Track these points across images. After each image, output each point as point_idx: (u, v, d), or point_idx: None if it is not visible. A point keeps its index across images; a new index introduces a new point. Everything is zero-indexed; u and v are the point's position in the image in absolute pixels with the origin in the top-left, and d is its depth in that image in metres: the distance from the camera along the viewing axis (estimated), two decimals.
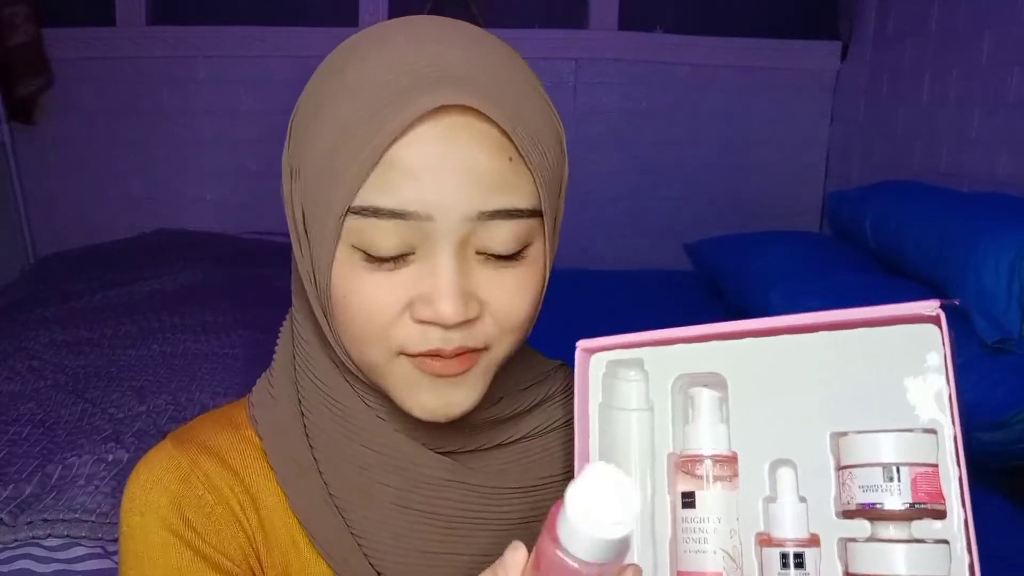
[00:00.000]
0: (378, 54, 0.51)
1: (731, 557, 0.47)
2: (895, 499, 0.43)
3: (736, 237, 2.53)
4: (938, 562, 0.43)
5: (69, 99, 2.89)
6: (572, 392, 0.64)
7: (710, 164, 3.02)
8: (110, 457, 1.38)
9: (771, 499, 0.47)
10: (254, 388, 0.63)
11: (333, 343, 0.56)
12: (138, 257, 2.59)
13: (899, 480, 0.43)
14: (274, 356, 0.63)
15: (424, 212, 0.49)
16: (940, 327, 0.44)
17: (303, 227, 0.54)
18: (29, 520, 1.22)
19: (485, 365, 0.54)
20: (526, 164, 0.51)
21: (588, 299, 2.39)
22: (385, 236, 0.49)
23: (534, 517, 0.60)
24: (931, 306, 0.44)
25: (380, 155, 0.48)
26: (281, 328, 0.64)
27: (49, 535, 1.20)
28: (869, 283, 2.04)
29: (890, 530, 0.44)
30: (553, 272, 0.57)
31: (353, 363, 0.55)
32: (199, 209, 3.04)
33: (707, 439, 0.49)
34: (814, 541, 0.46)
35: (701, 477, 0.48)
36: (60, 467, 1.35)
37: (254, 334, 1.97)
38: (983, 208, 1.88)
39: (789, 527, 0.46)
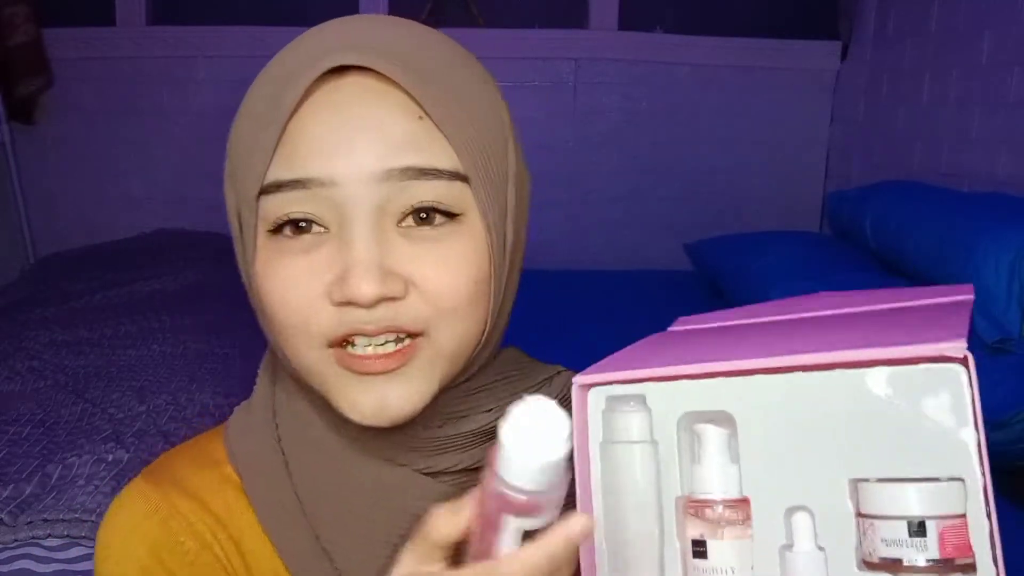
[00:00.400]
0: (293, 45, 0.51)
1: None
2: (920, 555, 0.41)
3: (736, 237, 2.53)
4: None
5: (69, 99, 2.89)
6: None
7: (710, 164, 3.02)
8: (110, 457, 1.38)
9: (787, 547, 0.45)
10: (231, 418, 0.59)
11: (278, 353, 0.52)
12: (138, 257, 2.59)
13: (925, 535, 0.41)
14: (255, 384, 0.60)
15: (327, 177, 0.46)
16: (968, 368, 0.41)
17: (238, 223, 0.51)
18: (29, 520, 1.22)
19: (428, 356, 0.49)
20: (438, 126, 0.47)
21: (588, 299, 2.39)
22: (288, 207, 0.47)
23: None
24: (958, 347, 0.41)
25: (281, 129, 0.47)
26: (265, 355, 0.60)
27: (49, 535, 1.20)
28: (869, 283, 2.04)
29: None
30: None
31: (298, 373, 0.52)
32: (199, 209, 3.04)
33: (717, 482, 0.46)
34: None
35: (712, 523, 0.46)
36: (60, 467, 1.35)
37: (254, 334, 1.97)
38: (983, 208, 1.88)
39: None
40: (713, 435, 0.47)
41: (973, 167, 2.28)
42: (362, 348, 0.48)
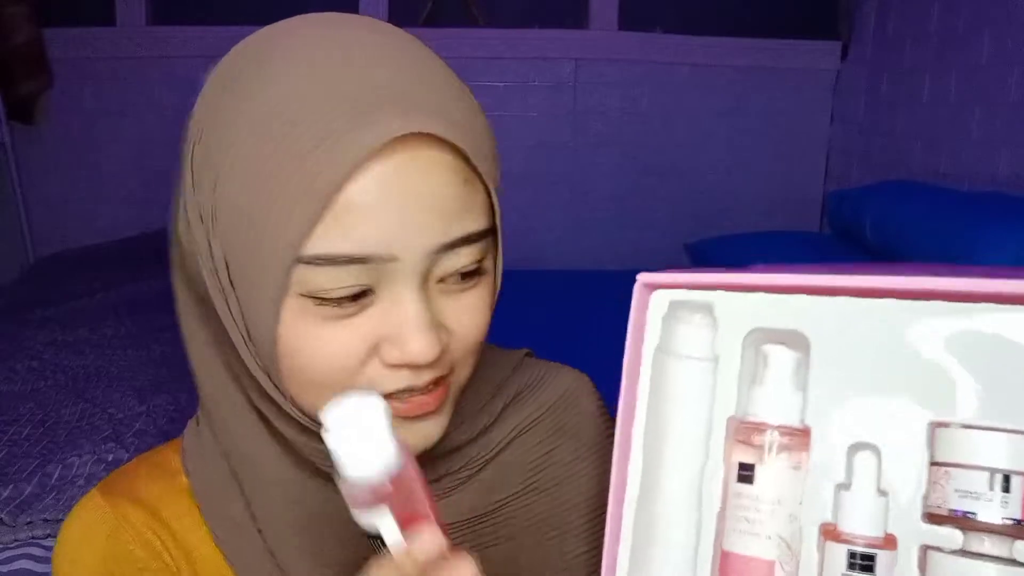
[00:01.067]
0: (298, 71, 0.45)
1: (787, 545, 0.41)
2: (997, 511, 0.37)
3: (736, 237, 2.53)
4: None
5: (69, 99, 2.89)
6: (538, 386, 0.62)
7: (710, 164, 3.02)
8: (110, 457, 1.38)
9: (845, 486, 0.41)
10: (185, 432, 0.59)
11: (275, 392, 0.50)
12: (138, 257, 2.59)
13: (1006, 491, 0.37)
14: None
15: (388, 254, 0.44)
16: None
17: (227, 278, 0.48)
18: (29, 520, 1.22)
19: (453, 391, 0.51)
20: (482, 183, 0.48)
21: (589, 299, 2.39)
22: (341, 282, 0.45)
23: (491, 543, 0.57)
24: None
25: (333, 196, 0.43)
26: None
27: (49, 535, 1.21)
28: None
29: (985, 545, 0.38)
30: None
31: (301, 411, 0.50)
32: None
33: (776, 406, 0.42)
34: (889, 543, 0.40)
35: (763, 449, 0.41)
36: (60, 467, 1.35)
37: None
38: (983, 208, 1.88)
39: (862, 522, 0.40)
40: (781, 357, 0.42)
41: (973, 167, 2.28)
42: (407, 394, 0.48)
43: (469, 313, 0.49)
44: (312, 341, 0.46)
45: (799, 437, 0.42)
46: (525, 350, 0.64)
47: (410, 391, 0.48)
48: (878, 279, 0.39)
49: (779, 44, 2.96)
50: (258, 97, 0.45)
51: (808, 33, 2.97)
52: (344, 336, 0.46)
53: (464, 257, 0.47)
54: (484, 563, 0.56)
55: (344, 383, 0.47)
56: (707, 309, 0.44)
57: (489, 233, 0.49)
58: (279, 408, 0.51)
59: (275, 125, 0.44)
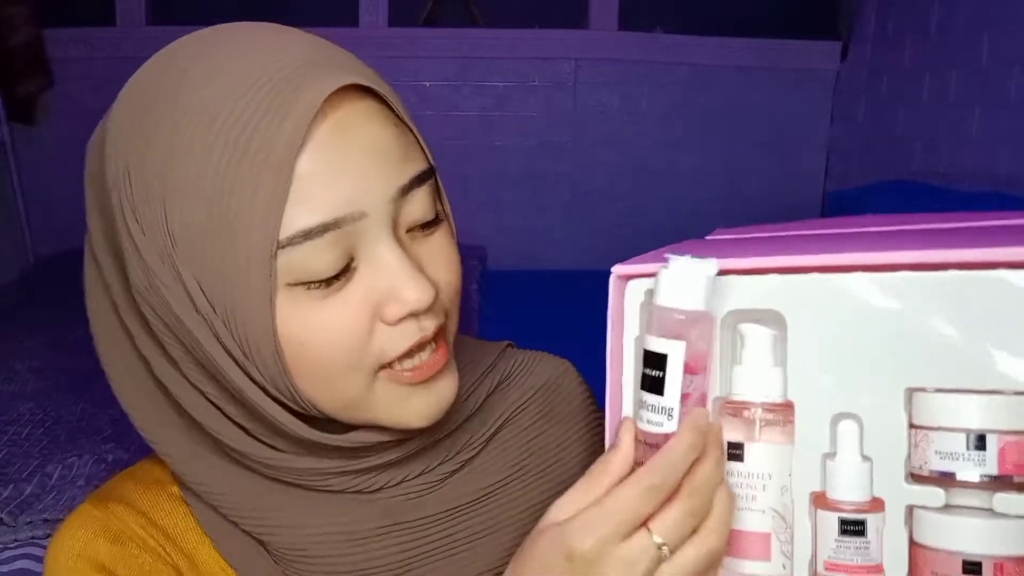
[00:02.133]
0: (217, 73, 0.45)
1: (781, 516, 0.43)
2: (976, 470, 0.39)
3: None
4: (1021, 541, 0.38)
5: (69, 99, 2.89)
6: (522, 373, 0.64)
7: (710, 164, 3.02)
8: (110, 457, 1.38)
9: (830, 456, 0.42)
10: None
11: (291, 399, 0.49)
12: None
13: (984, 449, 0.38)
14: None
15: (356, 211, 0.45)
16: None
17: (206, 302, 0.46)
18: (29, 520, 1.22)
19: (450, 343, 0.52)
20: (409, 128, 0.50)
21: (589, 300, 2.39)
22: (323, 255, 0.45)
23: (484, 532, 0.57)
24: None
25: (292, 170, 0.43)
26: None
27: (49, 535, 1.20)
28: None
29: (967, 500, 0.39)
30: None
31: (320, 410, 0.50)
32: None
33: (759, 384, 0.43)
34: (877, 505, 0.41)
35: (750, 427, 0.43)
36: (60, 467, 1.35)
37: None
38: (983, 208, 1.88)
39: (849, 488, 0.41)
40: (758, 335, 0.44)
41: (973, 167, 2.28)
42: (418, 359, 0.49)
43: (443, 255, 0.51)
44: (314, 327, 0.46)
45: (783, 411, 0.43)
46: (507, 342, 0.66)
47: (420, 347, 0.49)
48: (844, 256, 0.41)
49: (779, 44, 2.96)
50: (185, 110, 0.45)
51: (808, 33, 2.97)
52: (343, 314, 0.46)
53: (421, 201, 0.49)
54: (476, 553, 0.56)
55: (357, 361, 0.47)
56: None
57: (432, 174, 0.50)
58: (269, 425, 0.51)
59: (211, 129, 0.44)
